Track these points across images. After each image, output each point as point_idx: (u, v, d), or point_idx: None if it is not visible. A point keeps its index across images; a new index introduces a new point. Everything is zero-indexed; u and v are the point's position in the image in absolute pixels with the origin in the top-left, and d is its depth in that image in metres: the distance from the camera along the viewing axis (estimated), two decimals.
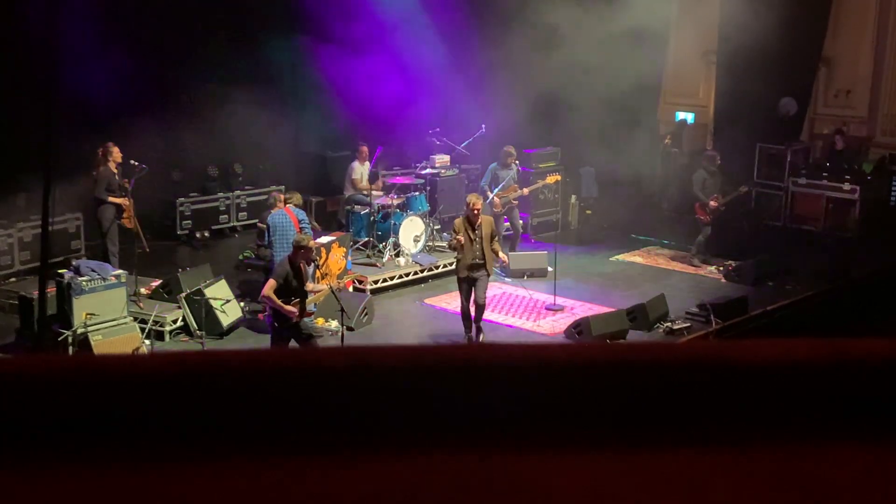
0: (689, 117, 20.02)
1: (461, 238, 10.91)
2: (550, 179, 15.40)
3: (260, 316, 11.24)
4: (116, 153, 12.06)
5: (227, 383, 1.25)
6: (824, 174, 17.18)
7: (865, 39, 18.52)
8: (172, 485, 1.17)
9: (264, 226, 12.14)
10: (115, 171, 12.07)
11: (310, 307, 9.79)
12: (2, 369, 1.24)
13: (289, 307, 9.34)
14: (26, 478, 1.17)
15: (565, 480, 1.17)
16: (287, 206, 11.67)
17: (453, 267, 14.06)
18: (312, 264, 11.22)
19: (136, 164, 12.10)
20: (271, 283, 9.35)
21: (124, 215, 12.10)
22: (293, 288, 9.43)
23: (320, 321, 11.41)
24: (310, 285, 9.78)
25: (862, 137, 18.61)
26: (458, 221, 11.13)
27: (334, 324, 11.34)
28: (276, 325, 9.53)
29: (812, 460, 1.21)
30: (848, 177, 16.87)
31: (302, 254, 9.57)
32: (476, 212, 10.92)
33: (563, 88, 16.28)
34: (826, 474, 1.20)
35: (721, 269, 14.54)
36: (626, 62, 16.21)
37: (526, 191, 14.93)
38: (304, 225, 11.43)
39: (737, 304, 12.43)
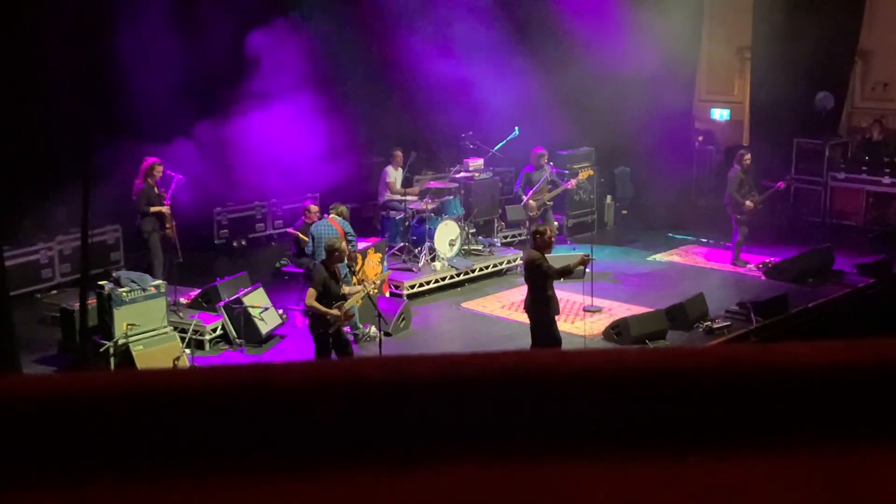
0: (725, 114, 19.85)
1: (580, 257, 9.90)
2: (583, 175, 15.26)
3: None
4: (157, 170, 12.12)
5: (268, 397, 1.25)
6: (864, 168, 16.98)
7: None
8: (209, 500, 1.18)
9: (297, 234, 12.22)
10: (154, 184, 12.11)
11: (351, 309, 9.88)
12: (51, 387, 1.25)
13: (333, 311, 9.46)
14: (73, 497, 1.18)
15: (605, 492, 1.17)
16: (331, 216, 11.59)
17: (490, 270, 14.12)
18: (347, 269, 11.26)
19: (173, 174, 12.19)
20: (311, 292, 9.47)
21: (167, 225, 12.09)
22: (332, 292, 9.53)
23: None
24: (345, 288, 9.89)
25: None
26: (538, 256, 9.75)
27: (372, 329, 11.37)
28: (319, 331, 9.59)
29: (854, 466, 1.20)
30: (888, 170, 16.67)
31: (336, 257, 9.68)
32: (550, 240, 9.92)
33: (596, 89, 16.21)
34: (868, 480, 1.18)
35: (761, 266, 14.39)
36: (660, 60, 16.11)
37: (573, 182, 14.89)
38: (350, 237, 11.40)
39: (777, 302, 12.29)
